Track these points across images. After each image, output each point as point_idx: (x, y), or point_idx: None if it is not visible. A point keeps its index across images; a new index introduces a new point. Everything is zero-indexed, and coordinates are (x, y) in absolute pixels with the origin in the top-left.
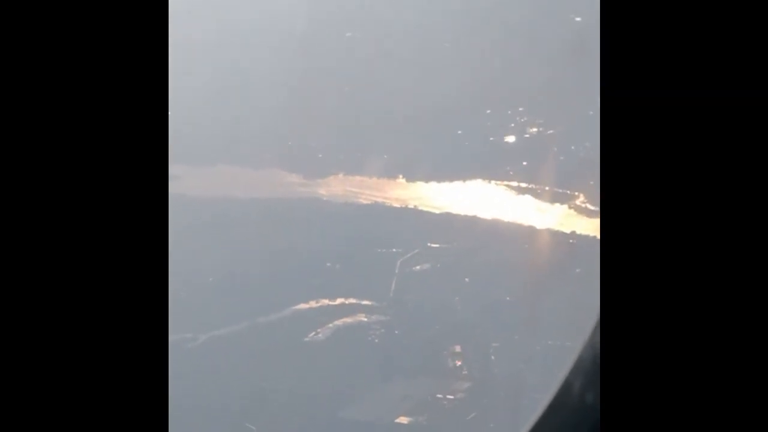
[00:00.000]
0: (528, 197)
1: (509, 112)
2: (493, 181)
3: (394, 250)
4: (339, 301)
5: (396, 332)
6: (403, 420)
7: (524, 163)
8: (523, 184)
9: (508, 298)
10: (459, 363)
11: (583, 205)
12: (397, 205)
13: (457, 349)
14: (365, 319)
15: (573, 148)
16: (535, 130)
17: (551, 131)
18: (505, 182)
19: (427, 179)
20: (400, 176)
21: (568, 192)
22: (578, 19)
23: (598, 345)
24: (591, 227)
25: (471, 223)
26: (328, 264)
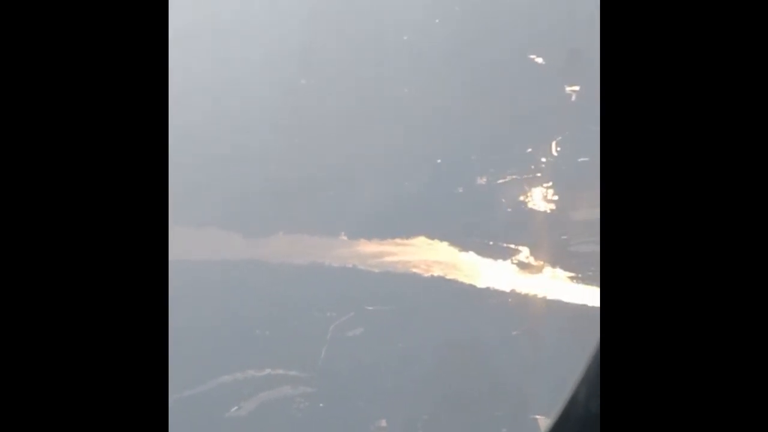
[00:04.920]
0: (471, 254)
1: (459, 162)
2: (436, 239)
3: (328, 314)
4: (266, 371)
5: (321, 405)
6: None
7: (470, 217)
8: (468, 239)
9: (442, 366)
10: None
11: (526, 261)
12: (335, 264)
13: (383, 423)
14: (290, 392)
15: (521, 198)
16: (484, 180)
17: (501, 181)
18: (449, 239)
19: (369, 236)
20: (342, 234)
21: (513, 246)
22: (540, 60)
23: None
24: (532, 285)
25: (411, 282)
26: (257, 331)
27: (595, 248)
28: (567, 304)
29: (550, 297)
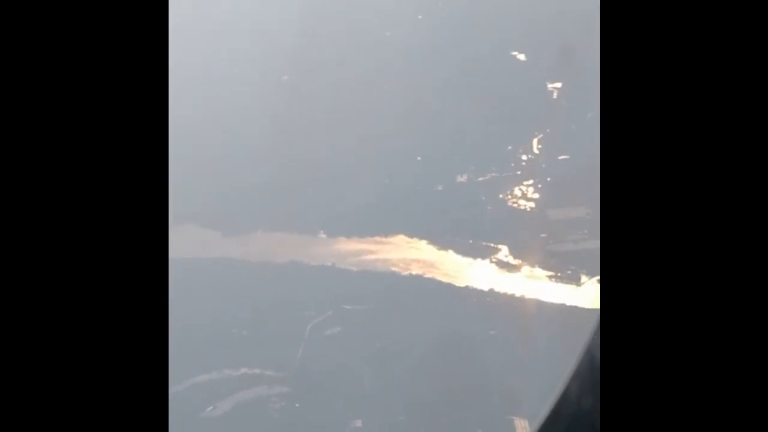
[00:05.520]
0: (451, 252)
1: (440, 159)
2: (415, 237)
3: (306, 313)
4: (242, 371)
5: (297, 405)
6: None
7: (450, 215)
8: (448, 238)
9: (420, 366)
10: None
11: (505, 259)
12: (314, 263)
13: (358, 424)
14: (266, 391)
15: (501, 196)
16: (465, 178)
17: (481, 178)
18: (429, 237)
19: (349, 234)
20: (322, 232)
21: (492, 245)
22: (522, 57)
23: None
24: (510, 285)
25: (389, 281)
26: (235, 330)
27: (574, 247)
28: (545, 303)
29: (528, 296)
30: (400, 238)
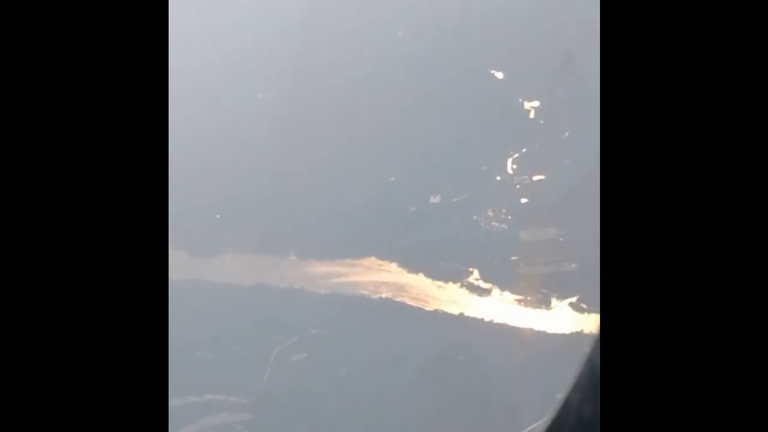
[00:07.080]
0: (421, 275)
1: (414, 180)
2: (387, 259)
3: (272, 337)
4: (206, 397)
5: None
6: None
7: (422, 236)
8: (419, 260)
9: (386, 392)
10: None
11: (476, 283)
12: (282, 286)
13: None
14: (229, 418)
15: (474, 218)
16: (438, 199)
17: (455, 199)
18: (400, 259)
19: (319, 257)
20: (291, 254)
21: (463, 268)
22: (499, 75)
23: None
24: (480, 309)
25: (358, 304)
26: (199, 354)
27: (544, 270)
28: (513, 328)
29: (497, 321)
30: (371, 261)
